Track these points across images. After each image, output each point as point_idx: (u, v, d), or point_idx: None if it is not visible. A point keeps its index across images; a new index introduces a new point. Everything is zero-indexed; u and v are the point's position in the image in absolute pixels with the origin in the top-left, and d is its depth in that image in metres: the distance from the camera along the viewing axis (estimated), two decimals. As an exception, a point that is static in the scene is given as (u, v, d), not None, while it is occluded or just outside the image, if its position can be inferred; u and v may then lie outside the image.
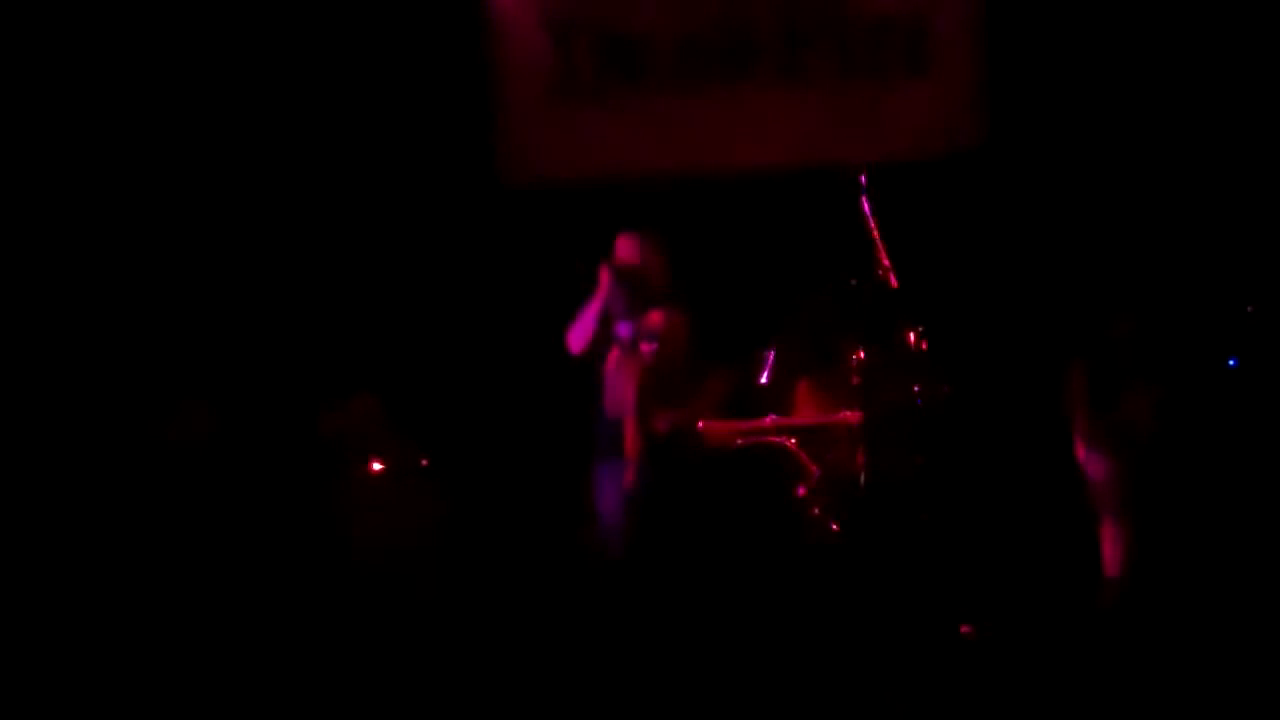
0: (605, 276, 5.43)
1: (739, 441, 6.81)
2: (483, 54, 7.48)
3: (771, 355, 7.04)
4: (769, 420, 6.92)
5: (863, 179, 6.70)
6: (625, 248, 5.50)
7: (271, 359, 6.90)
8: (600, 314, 5.45)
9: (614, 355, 5.56)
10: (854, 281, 6.88)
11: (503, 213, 7.46)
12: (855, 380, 6.89)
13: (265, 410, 6.40)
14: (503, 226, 7.43)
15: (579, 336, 5.50)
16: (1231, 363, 5.89)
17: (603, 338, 5.48)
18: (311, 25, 7.24)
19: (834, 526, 6.75)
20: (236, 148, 7.24)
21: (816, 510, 6.68)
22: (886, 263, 6.63)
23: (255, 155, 7.26)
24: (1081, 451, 5.72)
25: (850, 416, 6.87)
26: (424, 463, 6.96)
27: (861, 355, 6.90)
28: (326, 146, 7.33)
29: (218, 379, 6.68)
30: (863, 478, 6.77)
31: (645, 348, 5.49)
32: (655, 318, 5.53)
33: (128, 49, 7.07)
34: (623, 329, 5.44)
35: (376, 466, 6.92)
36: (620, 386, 5.47)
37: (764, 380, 7.01)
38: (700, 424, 6.87)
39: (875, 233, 6.65)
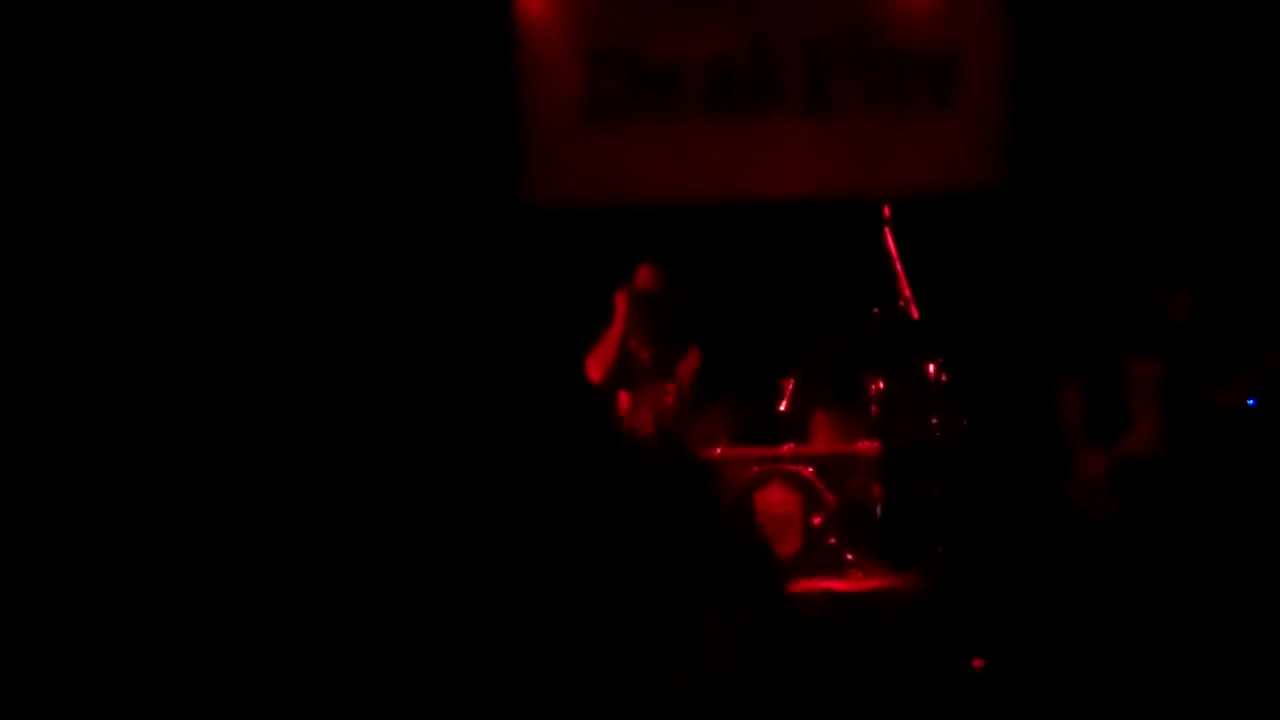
0: (625, 304, 5.36)
1: (755, 470, 6.85)
2: (511, 77, 7.52)
3: (791, 384, 7.08)
4: (787, 449, 6.96)
5: (886, 211, 6.75)
6: (645, 276, 5.46)
7: (288, 374, 6.91)
8: (620, 342, 5.38)
9: (626, 388, 5.50)
10: (875, 312, 6.93)
11: (524, 235, 7.50)
12: (874, 411, 6.93)
13: (282, 424, 6.40)
14: (523, 249, 7.47)
15: (599, 364, 5.43)
16: (1251, 403, 5.84)
17: (621, 365, 5.43)
18: (340, 40, 7.29)
19: (849, 556, 6.76)
20: (258, 163, 7.28)
21: (832, 540, 6.69)
22: (907, 294, 6.67)
23: (278, 172, 7.30)
24: (1079, 492, 5.48)
25: (868, 447, 6.90)
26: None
27: (880, 386, 6.94)
28: (349, 164, 7.37)
29: (227, 391, 6.70)
30: (879, 509, 6.80)
31: (668, 385, 5.45)
32: (688, 361, 5.49)
33: (157, 75, 7.12)
34: (643, 356, 5.39)
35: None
36: (638, 417, 5.43)
37: (783, 409, 7.04)
38: (719, 451, 6.92)
39: (897, 264, 6.68)
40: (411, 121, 7.37)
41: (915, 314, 6.68)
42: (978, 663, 4.94)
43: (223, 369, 6.93)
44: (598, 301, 5.89)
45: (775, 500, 6.75)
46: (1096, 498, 5.20)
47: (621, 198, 7.50)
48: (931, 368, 6.81)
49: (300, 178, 7.32)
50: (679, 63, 7.51)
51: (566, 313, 7.06)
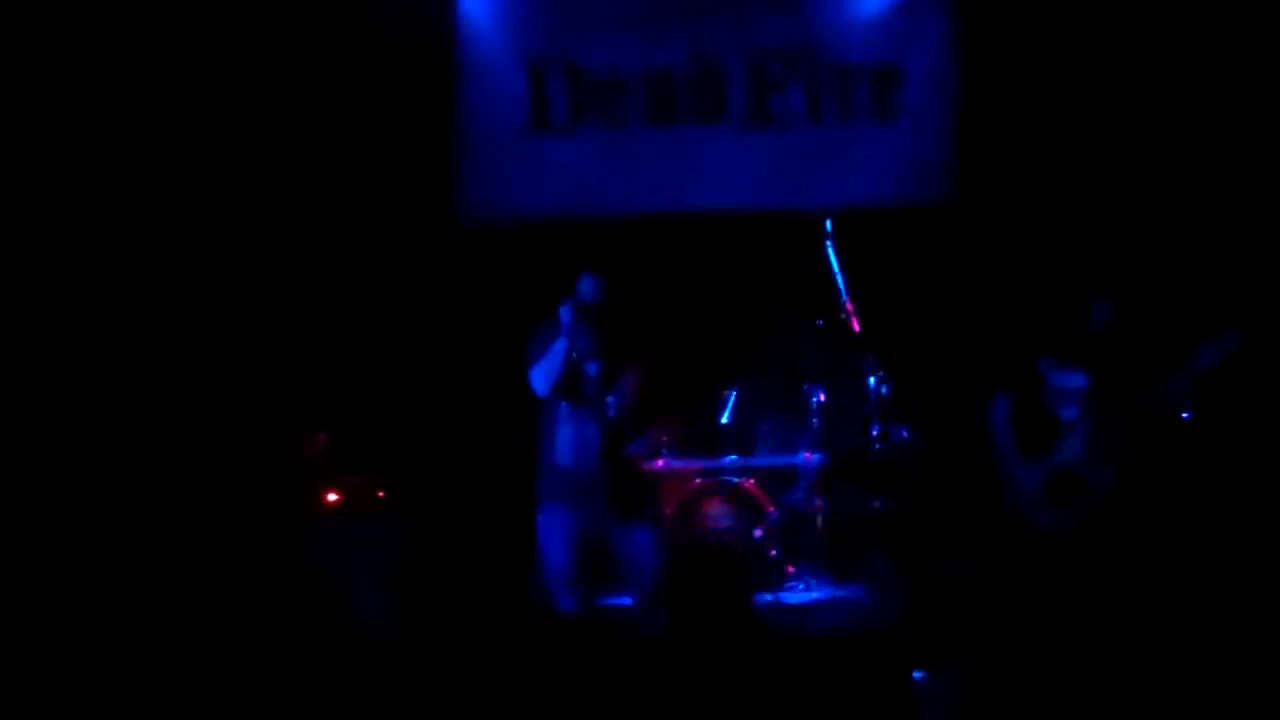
0: (569, 317, 5.27)
1: (697, 482, 6.84)
2: (448, 88, 7.47)
3: (733, 395, 7.09)
4: (729, 461, 6.96)
5: (828, 224, 6.77)
6: (588, 287, 5.38)
7: (229, 393, 6.82)
8: (565, 355, 5.29)
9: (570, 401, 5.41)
10: (817, 324, 6.95)
11: (460, 249, 7.45)
12: (815, 423, 6.96)
13: (221, 444, 6.31)
14: (460, 262, 7.42)
15: (545, 377, 5.34)
16: (1185, 416, 5.90)
17: (566, 378, 5.33)
18: (275, 52, 7.20)
19: (790, 568, 6.78)
20: (194, 177, 7.17)
21: (774, 552, 6.70)
22: (849, 307, 6.70)
23: (213, 186, 7.19)
24: (1012, 503, 5.41)
25: (810, 459, 6.92)
26: (380, 495, 6.92)
27: (822, 398, 6.97)
28: (283, 179, 7.27)
29: (173, 413, 6.59)
30: (821, 520, 6.82)
31: (613, 398, 5.37)
32: (631, 374, 5.42)
33: (78, 73, 6.99)
34: (589, 370, 5.30)
35: (332, 498, 6.87)
36: (584, 431, 5.34)
37: (725, 420, 7.04)
38: (661, 464, 6.91)
39: (839, 277, 6.71)
40: (350, 134, 7.29)
41: (856, 326, 6.71)
42: (919, 674, 4.94)
43: (156, 381, 6.82)
44: (539, 313, 5.85)
45: (717, 512, 6.76)
46: (1032, 509, 5.22)
47: (562, 208, 7.46)
48: (872, 380, 6.86)
49: (234, 193, 7.21)
50: (621, 73, 7.49)
51: (508, 324, 7.05)
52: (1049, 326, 5.52)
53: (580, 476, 5.34)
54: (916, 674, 4.54)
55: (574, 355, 5.28)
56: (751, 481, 6.83)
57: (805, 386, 7.00)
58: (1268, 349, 5.53)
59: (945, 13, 7.46)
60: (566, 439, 5.38)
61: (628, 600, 5.62)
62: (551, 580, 5.44)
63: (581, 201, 7.47)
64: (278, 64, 7.17)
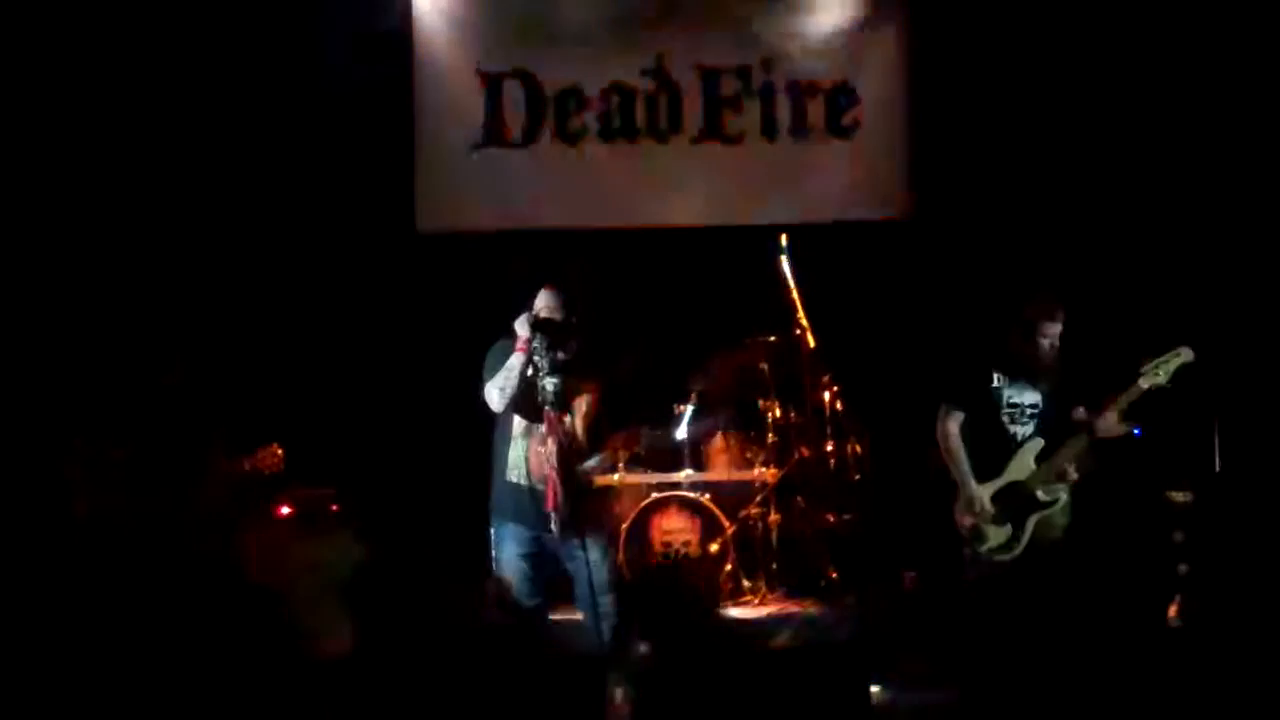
0: (527, 331, 5.24)
1: (653, 496, 6.85)
2: (406, 99, 7.45)
3: (689, 410, 7.10)
4: (684, 475, 6.97)
5: (783, 239, 6.81)
6: (545, 301, 5.34)
7: (178, 402, 6.75)
8: (521, 370, 5.26)
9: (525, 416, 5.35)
10: (772, 340, 6.98)
11: (418, 259, 7.42)
12: (771, 438, 6.98)
13: (173, 454, 6.23)
14: (417, 272, 7.38)
15: (500, 393, 5.22)
16: (1136, 432, 5.95)
17: (522, 393, 5.27)
18: (237, 67, 7.16)
19: (745, 583, 6.79)
20: (149, 185, 7.12)
21: (729, 566, 6.71)
22: (804, 322, 6.73)
23: (166, 193, 7.14)
24: (962, 519, 5.34)
25: (765, 474, 6.94)
26: (334, 508, 6.87)
27: (777, 413, 7.00)
28: (240, 189, 7.23)
29: (124, 420, 6.52)
30: (776, 535, 6.84)
31: (563, 417, 5.31)
32: (587, 389, 5.38)
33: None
34: (546, 385, 5.24)
35: (285, 511, 6.82)
36: (539, 447, 5.30)
37: (681, 435, 7.05)
38: (616, 478, 6.90)
39: (794, 292, 6.74)
40: (309, 145, 7.26)
41: (811, 342, 6.74)
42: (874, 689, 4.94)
43: (106, 387, 6.74)
44: (495, 324, 5.83)
45: (672, 526, 6.77)
46: (985, 524, 5.25)
47: (519, 221, 7.46)
48: (827, 395, 6.90)
49: (187, 202, 7.17)
50: (577, 88, 7.50)
51: (464, 335, 7.02)
52: (1001, 342, 5.56)
53: (533, 492, 5.26)
54: (872, 687, 4.56)
55: (530, 370, 5.22)
56: (707, 496, 6.84)
57: (761, 402, 7.03)
58: (1216, 365, 5.59)
59: (897, 33, 7.54)
60: (520, 454, 5.32)
61: (577, 615, 5.60)
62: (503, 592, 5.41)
63: (537, 214, 7.48)
64: (240, 77, 7.14)
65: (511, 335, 5.26)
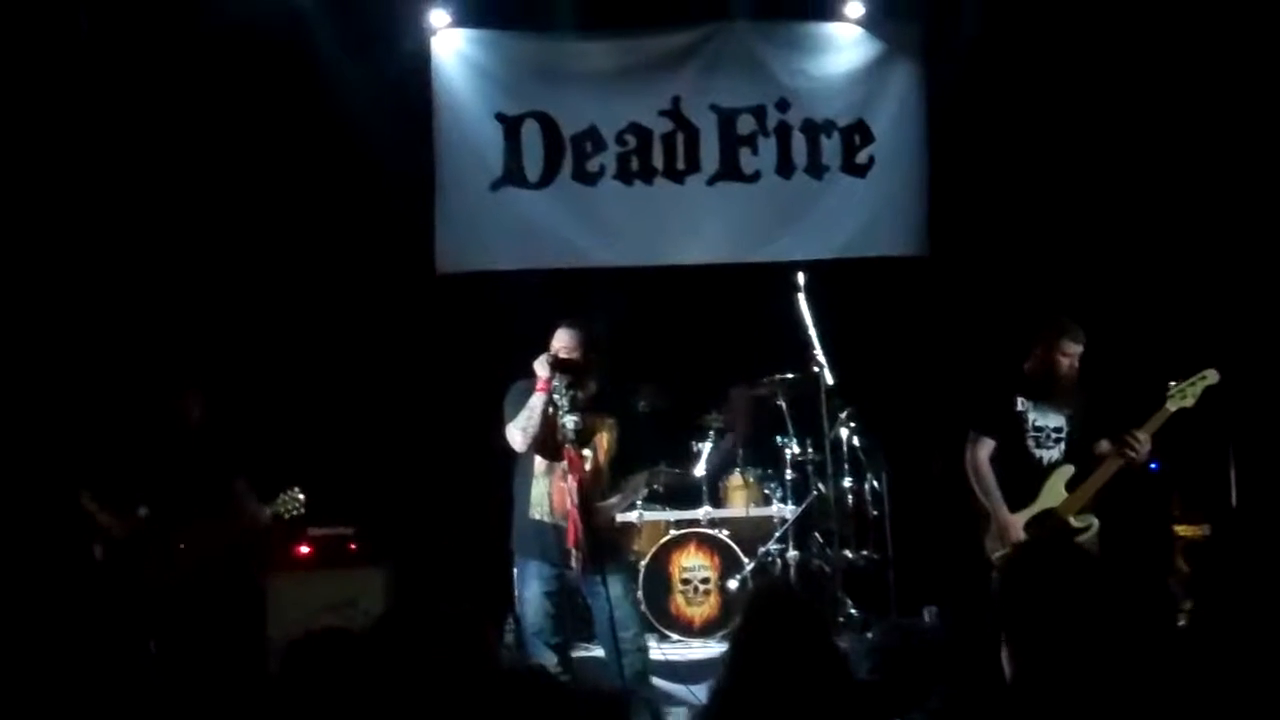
0: (547, 371, 5.23)
1: (671, 532, 6.85)
2: (427, 142, 7.53)
3: (708, 447, 7.12)
4: (703, 512, 6.97)
5: (800, 276, 6.83)
6: (564, 341, 5.37)
7: (200, 444, 6.80)
8: (543, 410, 5.22)
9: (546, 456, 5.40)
10: (789, 376, 7.00)
11: (437, 298, 7.47)
12: (789, 474, 6.99)
13: (194, 499, 6.25)
14: (436, 311, 7.43)
15: (523, 433, 5.28)
16: (1154, 467, 5.96)
17: (544, 433, 5.31)
18: (256, 107, 7.25)
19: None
20: (174, 226, 7.19)
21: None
22: (822, 360, 6.75)
23: (191, 233, 7.21)
24: (994, 549, 5.33)
25: (783, 510, 6.94)
26: (352, 547, 6.89)
27: (795, 450, 7.00)
28: (261, 230, 7.29)
29: (149, 463, 6.56)
30: (795, 572, 6.83)
31: (583, 454, 5.35)
32: (603, 433, 5.44)
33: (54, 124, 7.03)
34: (567, 423, 5.19)
35: (304, 551, 6.84)
36: (560, 484, 5.27)
37: (700, 471, 7.07)
38: (636, 516, 6.91)
39: (812, 329, 6.77)
40: (329, 189, 7.32)
41: (830, 378, 6.75)
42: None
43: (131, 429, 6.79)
44: (513, 362, 5.88)
45: (691, 563, 6.77)
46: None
47: (537, 262, 7.51)
48: (846, 431, 6.91)
49: (207, 240, 7.24)
50: (594, 128, 7.57)
51: (482, 373, 7.06)
52: (1021, 366, 5.58)
53: (556, 529, 5.32)
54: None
55: (551, 410, 5.26)
56: (726, 533, 6.85)
57: (779, 438, 7.05)
58: (1238, 386, 5.60)
59: (912, 72, 7.60)
60: (542, 492, 5.38)
61: (599, 650, 5.62)
62: (529, 631, 5.43)
63: (555, 254, 7.52)
64: (263, 120, 7.22)
65: (530, 375, 5.32)
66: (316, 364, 7.31)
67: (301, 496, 6.03)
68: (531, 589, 5.40)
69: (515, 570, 5.57)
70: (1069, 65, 7.25)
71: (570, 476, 5.20)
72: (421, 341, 7.41)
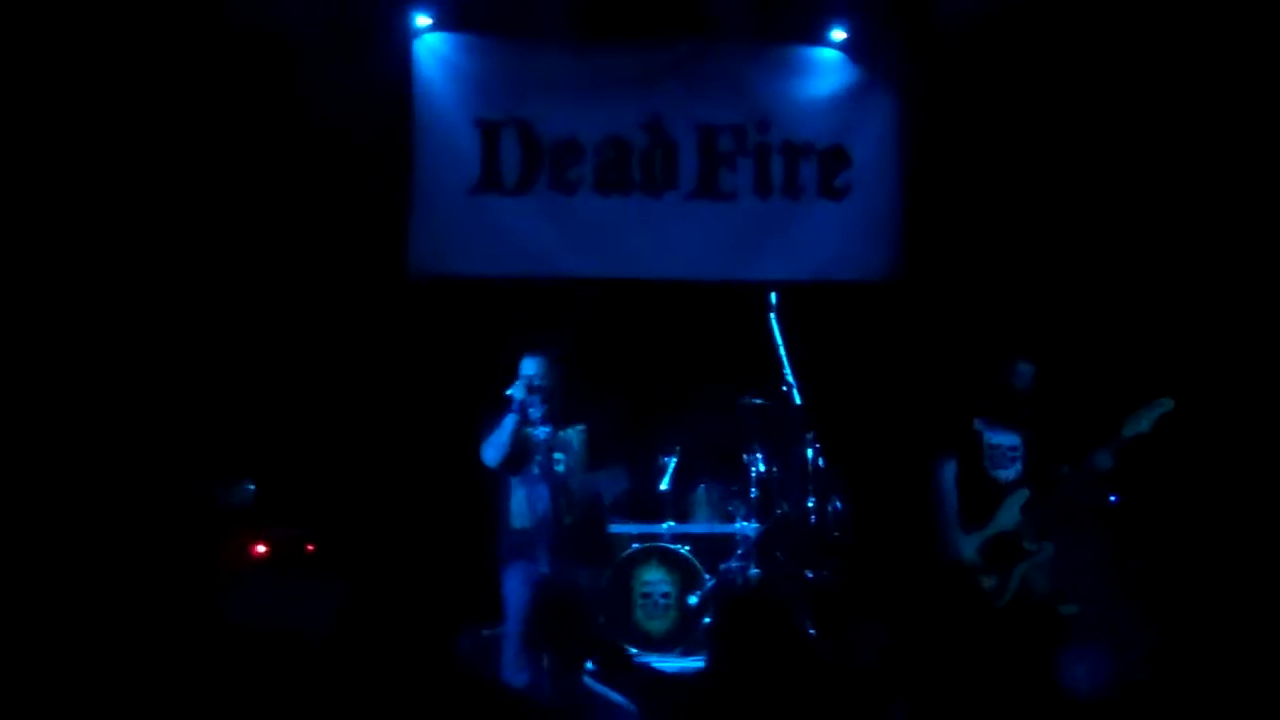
0: (521, 395, 5.48)
1: (634, 546, 6.84)
2: (405, 145, 7.51)
3: (673, 462, 7.11)
4: (666, 527, 6.97)
5: (773, 297, 6.86)
6: (536, 368, 5.57)
7: (170, 443, 6.74)
8: (516, 431, 5.49)
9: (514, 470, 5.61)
10: (757, 394, 7.01)
11: (410, 303, 7.43)
12: (753, 492, 6.99)
13: (158, 493, 6.21)
14: (408, 316, 7.40)
15: (496, 451, 5.52)
16: (1112, 499, 6.03)
17: (515, 449, 5.53)
18: (229, 108, 7.20)
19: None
20: (142, 223, 7.11)
21: (708, 618, 6.69)
22: (790, 379, 6.77)
23: (160, 232, 7.14)
24: (950, 566, 5.53)
25: (747, 527, 6.94)
26: (310, 548, 6.83)
27: (760, 468, 7.01)
28: (232, 228, 7.23)
29: (114, 461, 6.50)
30: (756, 589, 6.82)
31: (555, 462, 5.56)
32: (573, 439, 5.62)
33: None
34: (538, 434, 5.53)
35: (260, 550, 6.78)
36: (535, 491, 5.52)
37: (664, 486, 7.06)
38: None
39: (781, 349, 6.79)
40: (302, 188, 7.28)
41: (797, 398, 6.78)
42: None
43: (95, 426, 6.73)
44: (484, 368, 5.92)
45: (653, 578, 6.76)
46: (972, 575, 5.29)
47: (511, 269, 7.50)
48: (810, 451, 6.92)
49: (179, 241, 7.16)
50: (574, 139, 7.58)
51: (454, 378, 7.06)
52: (982, 391, 5.66)
53: (535, 533, 5.52)
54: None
55: (523, 427, 5.52)
56: (688, 548, 6.84)
57: (744, 456, 7.06)
58: (1197, 416, 5.68)
59: (892, 99, 7.68)
60: (520, 501, 5.58)
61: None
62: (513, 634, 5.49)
63: (529, 262, 7.51)
64: (236, 121, 7.17)
65: (500, 392, 5.55)
66: (287, 365, 7.25)
67: (252, 488, 6.05)
68: (515, 592, 5.52)
69: (502, 577, 5.64)
70: (1044, 97, 7.35)
71: (543, 483, 5.50)
72: (389, 344, 7.36)
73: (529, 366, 5.60)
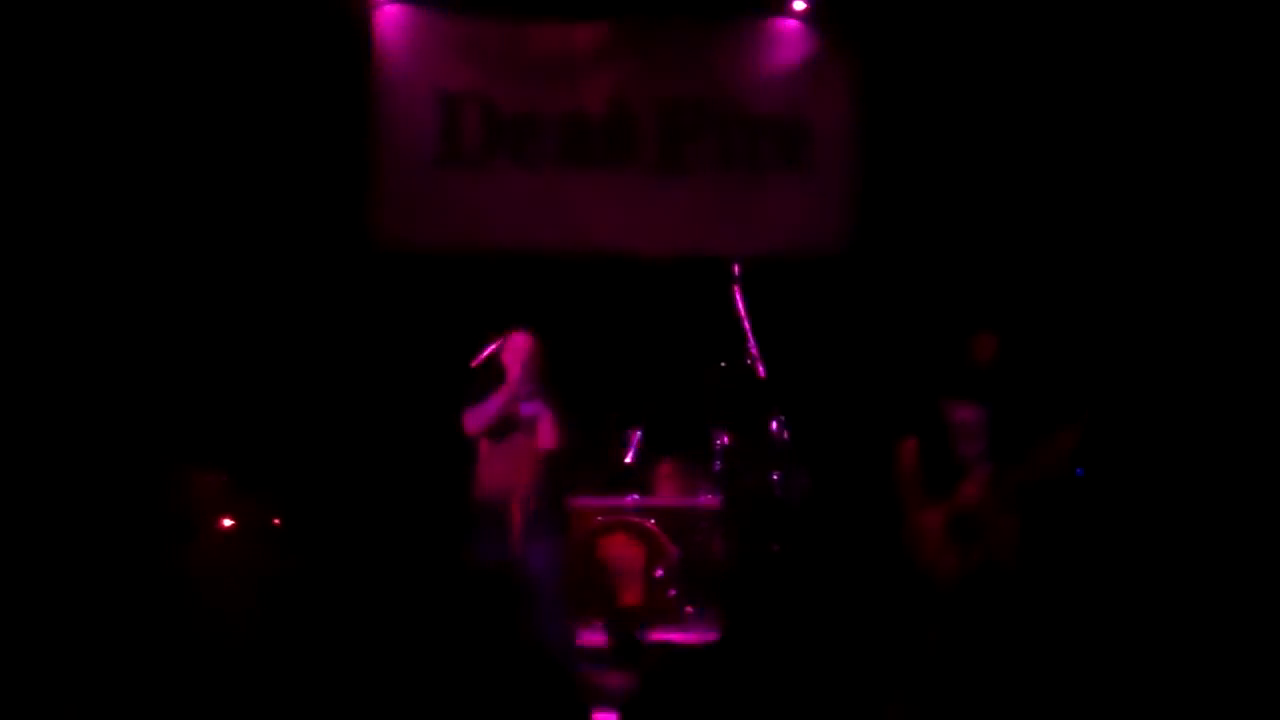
0: (517, 374, 5.55)
1: (599, 520, 6.88)
2: (365, 117, 7.47)
3: (637, 436, 7.16)
4: (631, 500, 7.01)
5: (735, 270, 6.89)
6: (526, 344, 5.61)
7: (132, 422, 6.70)
8: (506, 405, 5.55)
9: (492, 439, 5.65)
10: (721, 368, 7.05)
11: (372, 276, 7.42)
12: (717, 465, 7.05)
13: (122, 474, 6.19)
14: (371, 289, 7.39)
15: (480, 421, 5.57)
16: (1079, 472, 6.11)
17: (499, 423, 5.58)
18: (189, 77, 7.13)
19: (689, 609, 6.83)
20: (105, 198, 7.05)
21: (673, 592, 6.76)
22: (754, 352, 6.81)
23: (122, 205, 7.08)
24: (912, 540, 5.54)
25: (711, 501, 7.00)
26: (276, 522, 6.84)
27: (725, 441, 7.07)
28: (193, 198, 7.19)
29: (85, 442, 6.46)
30: (721, 562, 6.90)
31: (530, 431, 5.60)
32: (547, 412, 5.66)
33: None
34: (525, 409, 5.57)
35: (227, 523, 6.78)
36: (513, 466, 5.55)
37: (628, 460, 7.11)
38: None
39: (745, 323, 6.83)
40: (264, 159, 7.23)
41: (761, 372, 6.82)
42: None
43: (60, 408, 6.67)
44: (447, 339, 5.95)
45: (618, 551, 6.81)
46: (934, 550, 5.36)
47: (473, 242, 7.48)
48: (775, 425, 6.98)
49: (142, 216, 7.11)
50: (535, 113, 7.55)
51: (417, 350, 7.06)
52: (944, 366, 5.72)
53: (504, 505, 5.55)
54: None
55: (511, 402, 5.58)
56: (653, 521, 6.89)
57: (709, 429, 7.10)
58: (1159, 401, 5.78)
59: (851, 72, 7.68)
60: (494, 472, 5.59)
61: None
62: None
63: (491, 235, 7.50)
64: (197, 91, 7.12)
65: (468, 364, 5.65)
66: (250, 337, 7.22)
67: (222, 479, 6.07)
68: (488, 551, 5.55)
69: (472, 545, 5.67)
70: (1003, 69, 7.38)
71: (518, 455, 5.56)
72: (353, 317, 7.35)
73: (523, 343, 5.66)
